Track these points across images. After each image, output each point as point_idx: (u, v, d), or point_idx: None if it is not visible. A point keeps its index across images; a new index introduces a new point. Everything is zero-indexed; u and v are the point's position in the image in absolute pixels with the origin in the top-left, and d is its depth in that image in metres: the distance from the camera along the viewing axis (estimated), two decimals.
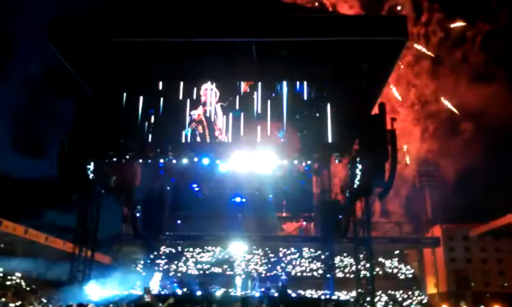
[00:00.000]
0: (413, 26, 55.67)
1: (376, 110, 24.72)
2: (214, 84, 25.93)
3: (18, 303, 27.73)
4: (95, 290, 24.42)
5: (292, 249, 43.07)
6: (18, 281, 35.37)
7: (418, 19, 56.57)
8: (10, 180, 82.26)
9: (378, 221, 48.70)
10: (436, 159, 55.94)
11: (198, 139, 25.49)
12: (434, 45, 56.75)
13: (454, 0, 56.80)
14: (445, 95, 55.72)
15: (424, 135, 55.88)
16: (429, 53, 55.93)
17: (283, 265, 41.92)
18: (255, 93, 25.54)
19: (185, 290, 26.02)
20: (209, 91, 25.85)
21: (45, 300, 25.21)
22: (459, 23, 56.10)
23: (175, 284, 27.36)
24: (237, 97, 25.61)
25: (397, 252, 45.11)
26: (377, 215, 50.15)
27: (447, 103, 56.30)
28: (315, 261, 42.22)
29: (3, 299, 29.81)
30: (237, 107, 25.48)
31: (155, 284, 27.54)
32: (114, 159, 25.97)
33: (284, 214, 43.44)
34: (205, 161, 26.39)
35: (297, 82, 25.62)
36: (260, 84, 25.54)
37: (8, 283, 34.09)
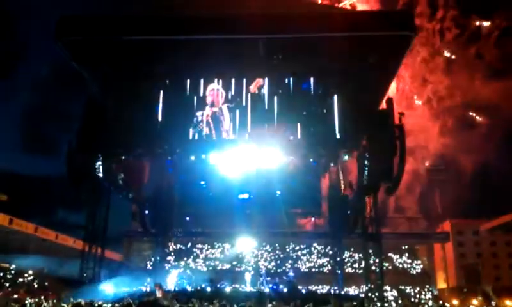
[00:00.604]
0: (428, 22, 55.43)
1: (383, 105, 24.63)
2: (221, 83, 25.77)
3: (32, 300, 28.01)
4: (106, 287, 24.62)
5: (301, 245, 43.17)
6: (30, 278, 35.73)
7: (433, 15, 56.20)
8: (22, 178, 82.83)
9: (389, 217, 48.69)
10: (452, 154, 55.62)
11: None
12: (449, 41, 56.39)
13: None
14: (460, 91, 55.39)
15: (440, 131, 55.68)
16: (446, 52, 55.64)
17: (291, 261, 42.05)
18: (262, 89, 25.46)
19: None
20: (215, 91, 25.73)
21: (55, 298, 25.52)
22: (484, 23, 55.55)
23: (185, 281, 27.54)
24: (244, 97, 25.43)
25: (406, 247, 45.06)
26: (392, 211, 50.25)
27: (474, 115, 56.27)
28: (324, 257, 42.30)
29: (15, 296, 30.11)
30: (245, 108, 25.28)
31: (172, 281, 27.73)
32: (123, 157, 26.11)
33: (298, 210, 43.47)
34: (213, 158, 26.41)
35: (304, 79, 25.48)
36: (267, 81, 25.40)
37: (20, 280, 34.44)
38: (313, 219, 44.73)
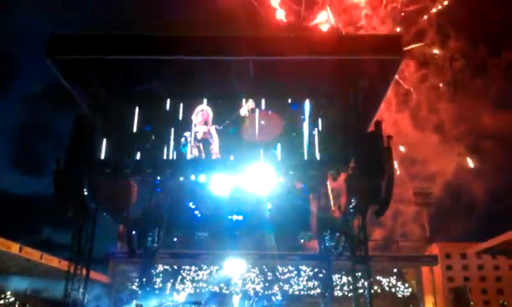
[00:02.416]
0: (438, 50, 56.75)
1: (372, 127, 24.80)
2: (210, 104, 25.67)
3: None
4: None
5: (290, 267, 42.89)
6: (12, 299, 35.02)
7: (444, 44, 57.61)
8: (9, 197, 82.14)
9: (377, 239, 48.79)
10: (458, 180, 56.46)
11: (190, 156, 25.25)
12: (457, 70, 57.75)
13: (479, 29, 57.73)
14: (468, 119, 56.77)
15: (451, 158, 56.70)
16: (454, 81, 56.91)
17: (280, 283, 41.71)
18: (252, 112, 25.44)
19: None
20: (204, 112, 25.60)
21: None
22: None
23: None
24: (233, 119, 25.33)
25: (395, 270, 45.00)
26: (398, 236, 50.88)
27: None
28: (312, 280, 42.03)
29: None
30: (234, 129, 25.18)
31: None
32: (110, 176, 25.88)
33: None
34: (202, 179, 26.30)
35: (293, 101, 25.59)
36: (256, 103, 25.39)
37: (1, 301, 33.75)
38: (302, 241, 44.54)
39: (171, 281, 41.36)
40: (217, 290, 40.92)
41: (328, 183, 29.78)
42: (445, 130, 57.69)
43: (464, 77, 57.33)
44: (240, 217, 38.46)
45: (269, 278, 42.22)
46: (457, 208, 57.91)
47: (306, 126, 25.31)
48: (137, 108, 25.55)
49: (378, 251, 46.25)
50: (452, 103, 57.40)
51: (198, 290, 40.39)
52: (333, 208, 30.21)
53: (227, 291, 40.41)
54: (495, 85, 57.24)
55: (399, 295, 43.89)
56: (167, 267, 42.00)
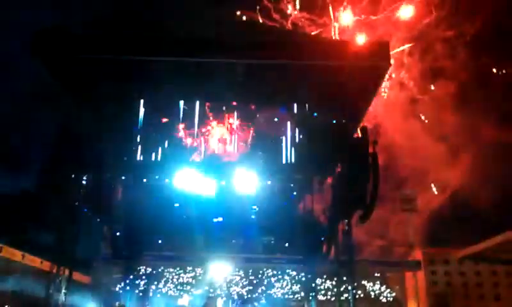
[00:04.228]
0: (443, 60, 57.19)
1: (358, 133, 24.97)
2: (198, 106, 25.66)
3: None
4: None
5: (274, 271, 42.97)
6: None
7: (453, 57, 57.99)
8: None
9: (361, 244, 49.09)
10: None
11: None
12: (462, 82, 58.26)
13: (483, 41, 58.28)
14: (471, 132, 57.29)
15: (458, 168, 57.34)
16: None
17: (264, 287, 41.73)
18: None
19: None
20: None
21: None
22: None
23: None
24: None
25: (378, 275, 45.36)
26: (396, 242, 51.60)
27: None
28: (297, 284, 42.13)
29: None
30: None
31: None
32: (95, 176, 25.69)
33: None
34: (187, 180, 26.19)
35: (280, 105, 25.69)
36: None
37: None
38: (286, 244, 44.58)
39: (155, 283, 41.04)
40: (202, 293, 40.75)
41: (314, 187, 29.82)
42: (445, 138, 58.35)
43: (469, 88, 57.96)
44: (225, 219, 38.47)
45: (253, 281, 42.16)
46: (446, 215, 58.47)
47: (293, 129, 25.44)
48: (123, 109, 25.41)
49: (376, 258, 46.57)
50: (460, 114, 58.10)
51: (182, 293, 40.18)
52: (318, 212, 30.28)
53: (212, 294, 40.25)
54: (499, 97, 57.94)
55: (382, 300, 44.18)
56: (151, 269, 41.72)
